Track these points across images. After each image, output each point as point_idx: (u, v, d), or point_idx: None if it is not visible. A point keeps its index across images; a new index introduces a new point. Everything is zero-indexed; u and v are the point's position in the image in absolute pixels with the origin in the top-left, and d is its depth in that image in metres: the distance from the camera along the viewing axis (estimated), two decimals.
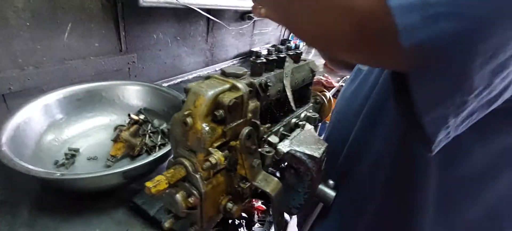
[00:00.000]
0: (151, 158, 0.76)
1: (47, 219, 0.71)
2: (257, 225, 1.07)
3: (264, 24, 2.42)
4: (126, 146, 0.98)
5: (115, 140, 0.98)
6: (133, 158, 0.98)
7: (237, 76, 0.49)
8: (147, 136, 1.04)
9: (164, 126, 1.11)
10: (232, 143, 0.46)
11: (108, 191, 0.80)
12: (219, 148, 0.44)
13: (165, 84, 1.56)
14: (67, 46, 1.09)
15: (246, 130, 0.44)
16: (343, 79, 2.29)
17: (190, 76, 1.73)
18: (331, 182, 0.69)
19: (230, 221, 0.88)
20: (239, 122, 0.47)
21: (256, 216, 0.95)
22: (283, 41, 2.91)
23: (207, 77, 0.50)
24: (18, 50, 0.96)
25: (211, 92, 0.43)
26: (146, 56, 1.42)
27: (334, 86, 1.95)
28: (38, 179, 0.78)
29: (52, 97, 0.96)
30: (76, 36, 1.10)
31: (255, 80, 0.54)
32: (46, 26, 1.01)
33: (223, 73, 0.50)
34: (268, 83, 0.56)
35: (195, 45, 1.72)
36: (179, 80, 1.65)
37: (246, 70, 0.52)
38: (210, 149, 0.43)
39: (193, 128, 0.43)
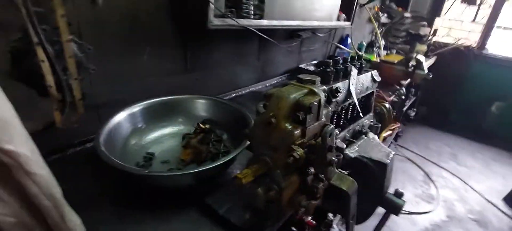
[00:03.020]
0: (222, 160, 0.84)
1: (133, 211, 0.82)
2: None
3: (311, 42, 2.47)
4: (194, 152, 1.08)
5: (185, 146, 1.09)
6: (199, 163, 1.08)
7: (312, 82, 0.54)
8: (211, 144, 1.13)
9: (224, 136, 1.20)
10: (312, 142, 0.51)
11: (181, 191, 0.89)
12: (299, 146, 0.49)
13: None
14: (146, 66, 1.26)
15: (328, 128, 0.48)
16: (396, 93, 2.21)
17: (244, 91, 1.84)
18: (399, 190, 0.70)
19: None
20: (315, 123, 0.52)
21: None
22: (330, 58, 2.92)
23: (284, 84, 0.57)
24: (110, 68, 1.15)
25: (293, 95, 0.49)
26: (207, 74, 1.56)
27: (387, 101, 1.89)
28: (128, 175, 0.91)
29: (136, 108, 1.11)
30: (153, 58, 1.27)
31: (326, 87, 0.59)
32: (131, 49, 1.19)
33: (300, 80, 0.56)
34: (338, 90, 0.60)
35: (248, 63, 1.84)
36: (234, 94, 1.77)
37: (319, 77, 0.57)
38: (292, 146, 0.48)
39: (277, 127, 0.49)
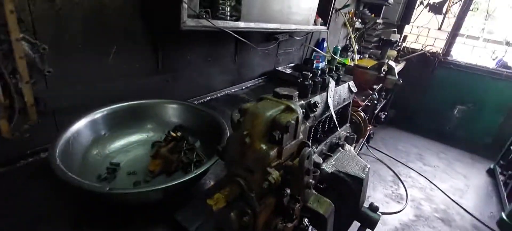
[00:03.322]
0: (193, 174, 0.78)
1: (91, 230, 0.74)
2: None
3: (288, 45, 2.47)
4: (163, 162, 1.01)
5: (154, 156, 1.02)
6: (169, 174, 1.01)
7: (290, 97, 0.51)
8: (183, 152, 1.07)
9: (197, 143, 1.14)
10: (287, 163, 0.47)
11: (149, 205, 0.83)
12: (275, 168, 0.46)
13: (196, 102, 1.61)
14: (112, 67, 1.16)
15: (306, 150, 0.45)
16: (369, 98, 2.26)
17: (219, 94, 1.78)
18: (375, 204, 0.68)
19: None
20: (292, 142, 0.48)
21: None
22: (306, 61, 2.93)
23: (260, 98, 0.52)
24: (71, 70, 1.04)
25: (269, 113, 0.45)
26: (179, 76, 1.48)
27: (360, 105, 1.93)
28: (87, 191, 0.82)
29: (97, 114, 1.02)
30: (120, 58, 1.17)
31: (304, 102, 0.55)
32: (95, 48, 1.09)
33: (276, 94, 0.52)
34: (316, 104, 0.57)
35: (224, 65, 1.78)
36: (209, 97, 1.70)
37: (296, 91, 0.54)
38: (268, 168, 0.44)
39: (251, 147, 0.45)
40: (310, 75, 0.59)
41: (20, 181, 0.89)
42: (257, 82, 2.16)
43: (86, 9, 1.01)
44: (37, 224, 0.75)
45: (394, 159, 3.82)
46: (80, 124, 0.95)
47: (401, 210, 2.86)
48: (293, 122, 0.46)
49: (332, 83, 0.66)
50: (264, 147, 0.45)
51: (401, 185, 3.29)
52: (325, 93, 0.64)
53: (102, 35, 1.09)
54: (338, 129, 0.67)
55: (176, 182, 0.75)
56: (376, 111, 3.55)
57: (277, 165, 0.47)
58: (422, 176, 3.53)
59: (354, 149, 2.53)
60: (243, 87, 2.01)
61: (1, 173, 0.90)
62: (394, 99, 4.71)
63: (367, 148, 3.92)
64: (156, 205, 0.83)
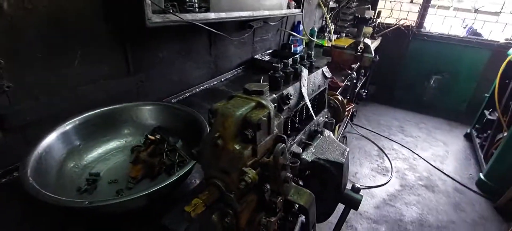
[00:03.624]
0: (174, 177, 0.77)
1: None
2: None
3: (264, 32, 2.44)
4: (145, 167, 0.99)
5: (134, 162, 0.99)
6: (153, 177, 0.99)
7: (260, 93, 0.50)
8: (164, 154, 1.04)
9: (179, 143, 1.12)
10: (264, 160, 0.47)
11: (134, 212, 0.81)
12: (251, 166, 0.45)
13: (174, 100, 1.57)
14: (78, 73, 1.10)
15: (279, 147, 0.44)
16: (348, 78, 2.29)
17: (198, 89, 1.74)
18: (357, 185, 0.70)
19: None
20: (267, 138, 0.48)
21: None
22: (284, 46, 2.92)
23: (231, 97, 0.51)
24: (33, 81, 0.98)
25: (239, 112, 0.44)
26: (153, 75, 1.43)
27: (340, 86, 1.95)
28: (67, 208, 0.79)
29: (68, 125, 0.97)
30: (86, 63, 1.12)
31: (276, 95, 0.55)
32: (57, 55, 1.02)
33: (246, 91, 0.50)
34: (289, 96, 0.56)
35: (199, 59, 1.74)
36: (187, 94, 1.66)
37: (267, 85, 0.53)
38: (243, 168, 0.43)
39: (224, 149, 0.44)
40: (281, 66, 0.58)
41: None
42: (235, 73, 2.13)
43: (42, 15, 0.94)
44: None
45: (378, 133, 3.94)
46: (51, 138, 0.90)
47: (387, 182, 2.97)
48: (264, 118, 0.45)
49: (304, 72, 0.65)
50: (237, 147, 0.44)
51: (386, 158, 3.41)
52: (298, 83, 0.63)
53: (63, 41, 1.03)
54: (315, 117, 0.67)
55: (158, 188, 0.73)
56: (357, 90, 3.62)
57: (253, 163, 0.46)
58: (405, 147, 3.66)
59: (338, 129, 2.59)
60: (222, 79, 1.98)
61: None
62: (373, 75, 4.81)
63: (352, 126, 4.01)
64: (143, 211, 0.81)
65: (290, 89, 0.56)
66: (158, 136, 1.07)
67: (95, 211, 0.73)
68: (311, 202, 0.50)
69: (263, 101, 0.47)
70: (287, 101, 0.54)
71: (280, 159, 0.44)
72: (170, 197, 0.88)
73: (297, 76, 0.65)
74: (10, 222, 0.79)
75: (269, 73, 0.56)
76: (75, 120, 0.99)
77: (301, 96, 0.64)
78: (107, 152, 1.06)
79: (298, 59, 0.66)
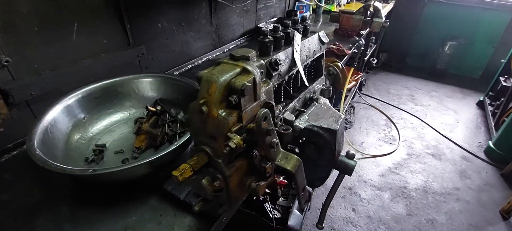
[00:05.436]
0: (173, 146, 0.79)
1: (88, 212, 0.77)
2: (281, 199, 1.10)
3: None
4: (148, 137, 1.01)
5: (137, 133, 1.02)
6: (156, 147, 1.02)
7: (246, 58, 0.49)
8: (166, 125, 1.07)
9: (181, 114, 1.14)
10: (250, 126, 0.47)
11: (139, 180, 0.84)
12: (237, 131, 0.45)
13: (177, 72, 1.57)
14: (77, 46, 1.11)
15: (261, 112, 0.44)
16: (355, 45, 2.21)
17: (200, 61, 1.73)
18: (351, 152, 0.70)
19: (255, 197, 0.90)
20: (253, 104, 0.48)
21: (279, 190, 0.97)
22: (289, 13, 2.81)
23: (218, 63, 0.51)
24: (32, 55, 0.99)
25: (222, 79, 0.44)
26: (154, 47, 1.43)
27: (346, 54, 1.90)
28: (72, 176, 0.83)
29: (72, 99, 0.99)
30: (84, 36, 1.12)
31: (264, 61, 0.54)
32: (54, 28, 1.03)
33: (232, 57, 0.50)
34: (278, 62, 0.55)
35: (200, 29, 1.71)
36: (189, 66, 1.66)
37: (254, 51, 0.52)
38: (229, 134, 0.44)
39: (210, 115, 0.44)
40: (270, 30, 0.56)
41: (7, 175, 0.89)
42: (239, 43, 2.09)
43: None
44: (35, 210, 0.77)
45: (387, 102, 3.87)
46: (55, 112, 0.93)
47: (393, 151, 2.96)
48: (249, 84, 0.45)
49: (297, 37, 0.63)
50: (222, 113, 0.44)
51: (393, 127, 3.37)
52: (290, 48, 0.62)
53: (59, 13, 1.03)
54: (307, 84, 0.66)
55: (157, 156, 0.76)
56: (366, 58, 3.51)
57: (239, 128, 0.47)
58: (414, 116, 3.60)
59: (346, 99, 2.54)
60: (225, 50, 1.95)
61: None
62: (385, 43, 4.63)
63: (360, 96, 3.95)
64: (147, 178, 0.84)
65: (281, 55, 0.55)
66: (158, 107, 1.09)
67: (100, 179, 0.77)
68: (298, 167, 0.51)
69: (249, 67, 0.47)
70: (276, 67, 0.53)
71: (263, 123, 0.44)
72: (173, 165, 0.91)
73: (290, 42, 0.63)
74: (22, 190, 0.84)
75: (258, 38, 0.55)
76: (78, 94, 1.01)
77: (293, 62, 0.62)
78: (112, 124, 1.10)
79: (290, 23, 0.64)
